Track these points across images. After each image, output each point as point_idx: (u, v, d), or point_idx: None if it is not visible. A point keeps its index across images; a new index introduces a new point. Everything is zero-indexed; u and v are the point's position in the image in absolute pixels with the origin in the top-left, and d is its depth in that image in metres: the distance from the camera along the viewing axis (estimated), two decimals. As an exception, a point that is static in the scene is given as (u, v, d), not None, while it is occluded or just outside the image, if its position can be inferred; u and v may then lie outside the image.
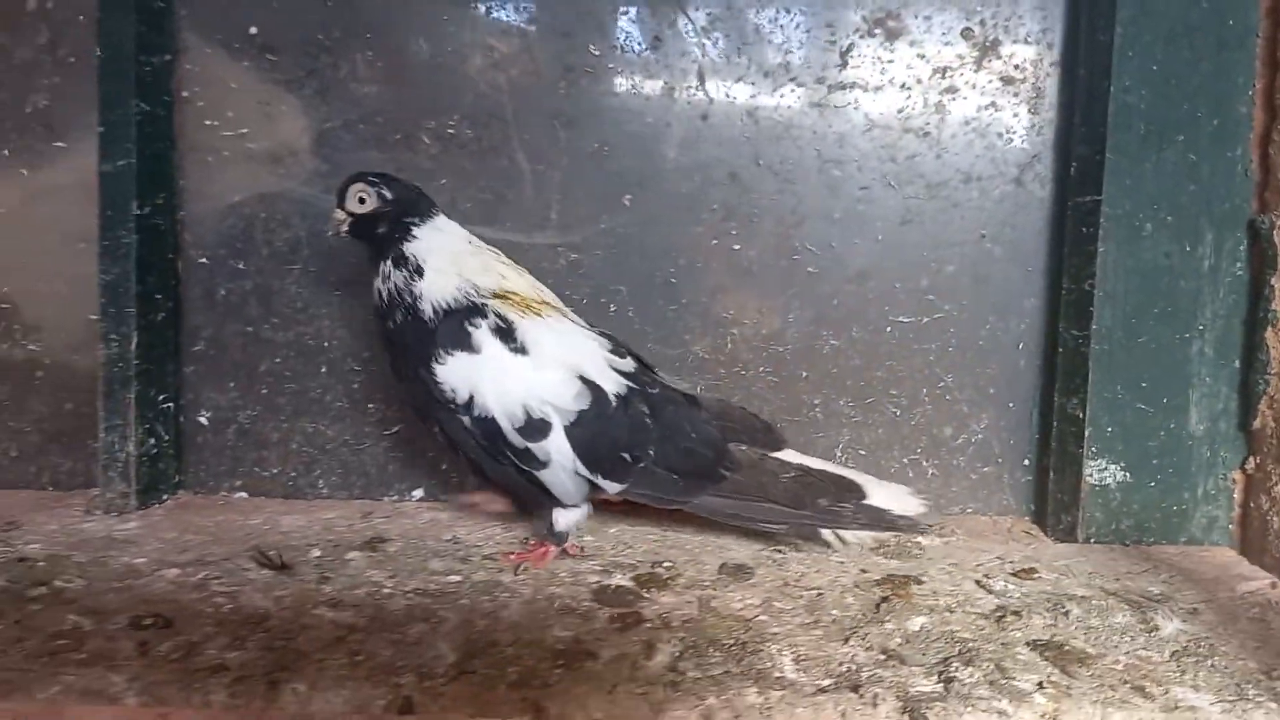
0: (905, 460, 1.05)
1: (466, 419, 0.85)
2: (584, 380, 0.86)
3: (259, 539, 0.92)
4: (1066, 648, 0.72)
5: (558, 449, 0.85)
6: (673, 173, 1.04)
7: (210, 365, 1.06)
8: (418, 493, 1.07)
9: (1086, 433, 0.97)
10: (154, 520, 0.98)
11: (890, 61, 1.03)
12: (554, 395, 0.85)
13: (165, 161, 1.01)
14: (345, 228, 0.89)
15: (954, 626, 0.76)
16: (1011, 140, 1.03)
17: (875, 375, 1.05)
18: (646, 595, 0.81)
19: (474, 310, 0.85)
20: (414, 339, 0.86)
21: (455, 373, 0.84)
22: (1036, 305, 1.04)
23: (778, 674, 0.68)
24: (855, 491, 0.92)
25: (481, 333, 0.85)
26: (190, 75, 1.02)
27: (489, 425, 0.84)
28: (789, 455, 0.93)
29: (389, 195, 0.89)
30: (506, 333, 0.85)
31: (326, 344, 1.06)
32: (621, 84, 1.03)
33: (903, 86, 1.03)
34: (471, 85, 1.03)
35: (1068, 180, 1.01)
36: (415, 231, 0.88)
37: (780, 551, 0.92)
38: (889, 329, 1.05)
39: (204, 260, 1.05)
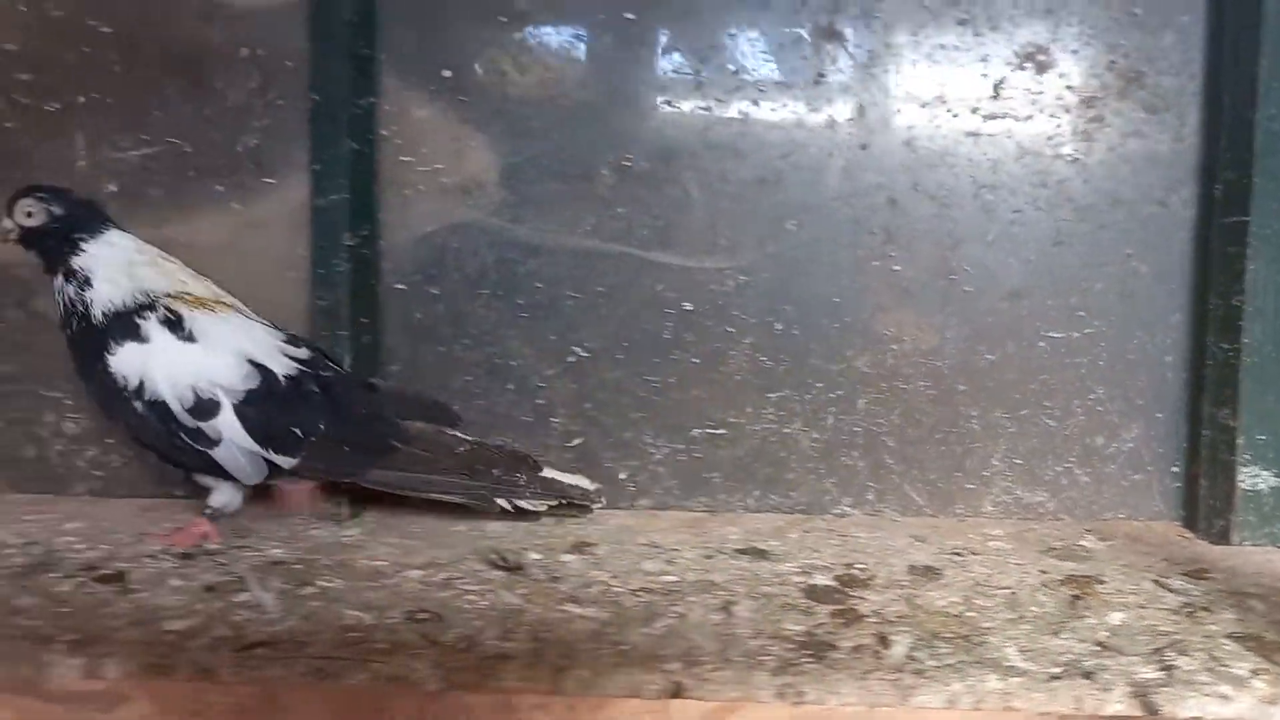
0: (1059, 469, 1.11)
1: (139, 404, 0.93)
2: (253, 363, 0.95)
3: (473, 544, 1.00)
4: (1265, 639, 0.78)
5: (228, 426, 0.93)
6: (834, 199, 1.11)
7: (407, 384, 1.13)
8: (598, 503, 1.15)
9: (1239, 441, 1.03)
10: (369, 528, 1.05)
11: (1040, 93, 1.10)
12: (222, 377, 0.93)
13: (369, 196, 1.09)
14: (14, 237, 0.96)
15: (1151, 621, 0.82)
16: (1156, 165, 1.10)
17: (1030, 388, 1.12)
18: (854, 594, 0.88)
19: (144, 307, 0.94)
20: (89, 341, 0.94)
21: (125, 361, 0.93)
22: (1182, 320, 1.10)
23: (1008, 663, 0.75)
24: (528, 464, 1.02)
25: (150, 324, 0.94)
26: (389, 116, 1.11)
27: (160, 408, 0.93)
28: (462, 434, 1.03)
29: (58, 211, 0.96)
30: (175, 324, 0.94)
31: (513, 363, 1.14)
32: (787, 117, 1.11)
33: (1052, 115, 1.10)
34: (647, 122, 1.11)
35: (1213, 202, 1.07)
36: (84, 246, 0.95)
37: (960, 555, 0.99)
38: (1042, 344, 1.11)
39: (401, 286, 1.13)
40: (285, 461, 0.96)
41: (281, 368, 0.96)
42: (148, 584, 0.87)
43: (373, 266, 1.11)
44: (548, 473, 1.03)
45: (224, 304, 0.99)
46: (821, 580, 0.91)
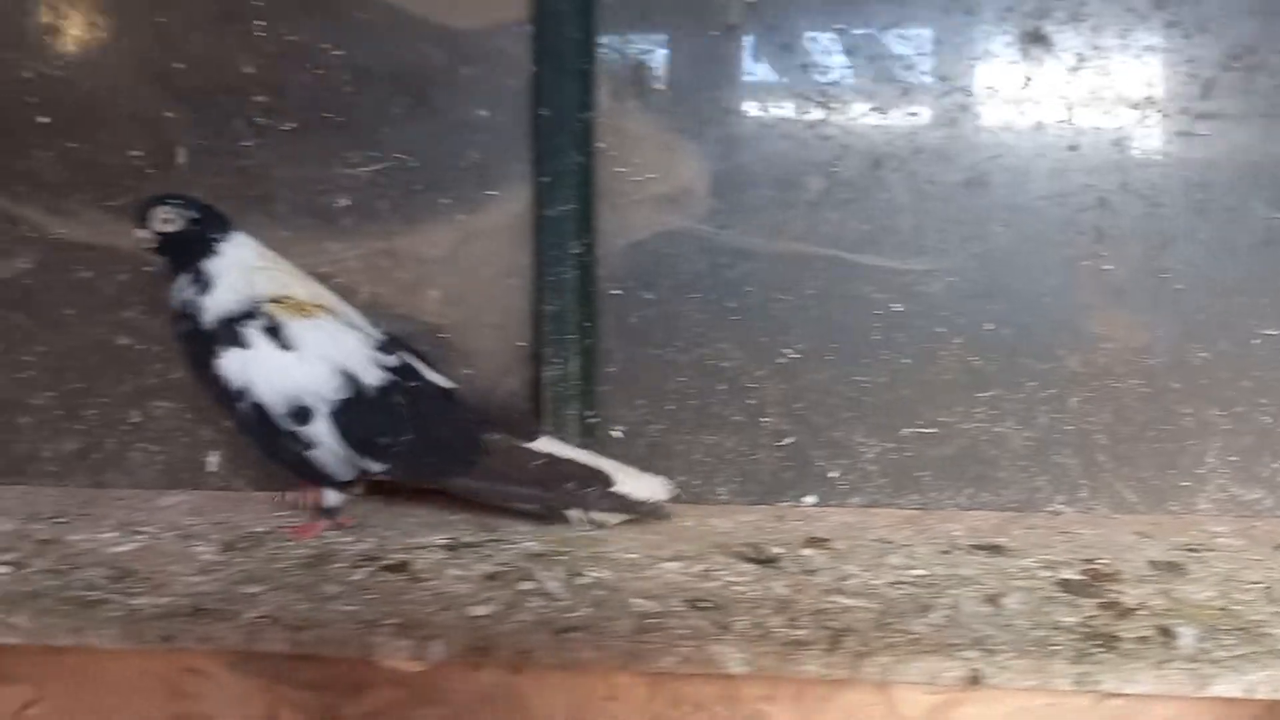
0: (1276, 465, 1.12)
1: (243, 405, 0.98)
2: (344, 373, 0.99)
3: (705, 539, 1.04)
4: None
5: (321, 433, 0.98)
6: (1043, 200, 1.13)
7: (622, 386, 1.18)
8: (809, 499, 1.18)
9: None
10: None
11: (1251, 93, 1.10)
12: (316, 386, 0.98)
13: (590, 206, 1.14)
14: (153, 245, 1.01)
15: None
16: (1372, 161, 1.10)
17: (1243, 385, 1.12)
18: (1109, 587, 0.90)
19: (249, 314, 0.99)
20: (198, 342, 1.00)
21: (230, 367, 0.98)
22: (1400, 316, 1.10)
23: (1299, 652, 0.76)
24: (601, 478, 1.04)
25: (252, 331, 0.98)
26: (604, 128, 1.16)
27: (261, 411, 0.98)
28: (543, 445, 1.05)
29: (193, 215, 1.01)
30: (274, 331, 0.98)
31: (724, 364, 1.17)
32: (994, 121, 1.13)
33: (1263, 115, 1.11)
34: (855, 127, 1.14)
35: None
36: (217, 249, 1.00)
37: (1194, 551, 1.00)
38: (1256, 341, 1.11)
39: (617, 292, 1.17)
40: (374, 467, 1.02)
41: (373, 378, 1.00)
42: (431, 573, 0.92)
43: (592, 273, 1.16)
44: (620, 488, 1.05)
45: (323, 307, 1.04)
46: (1069, 575, 0.93)
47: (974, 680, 0.75)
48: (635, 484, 1.05)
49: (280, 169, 1.18)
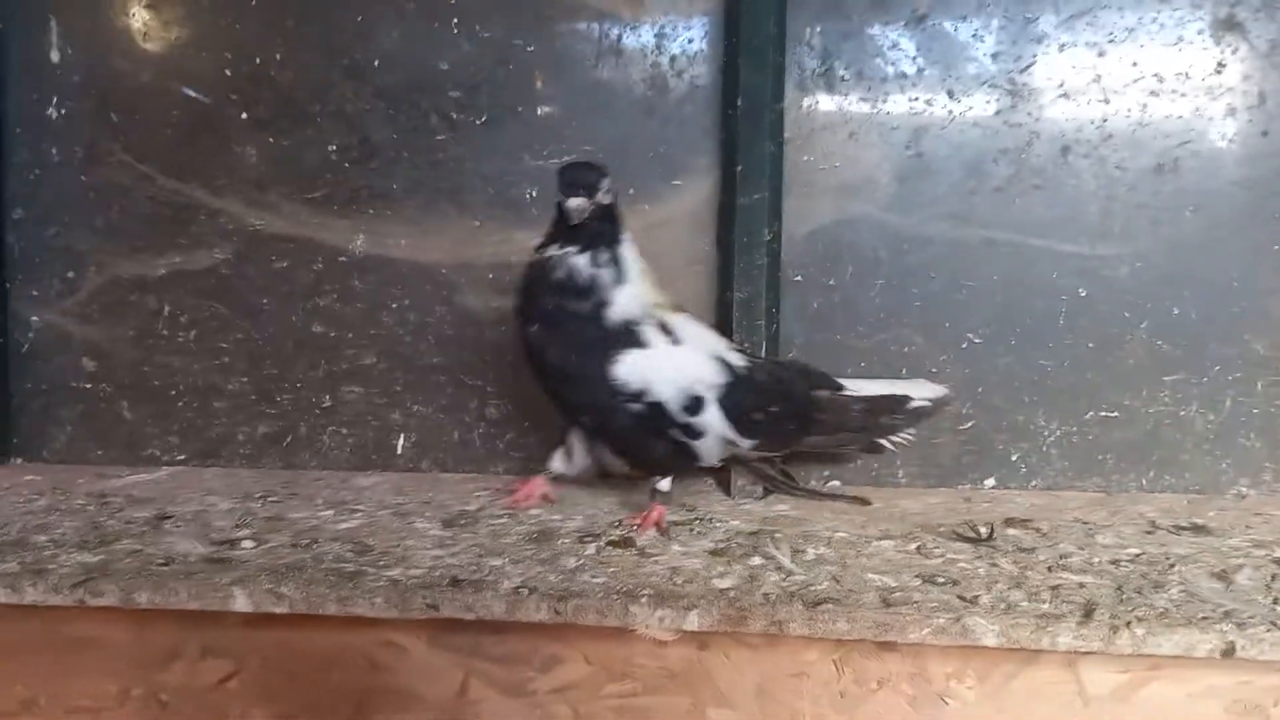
0: None
1: (636, 405, 0.98)
2: (720, 360, 1.02)
3: (907, 520, 1.06)
4: None
5: (712, 419, 1.00)
6: (1233, 185, 1.13)
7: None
8: (989, 482, 1.20)
9: None
10: (771, 504, 1.13)
11: None
12: (706, 375, 1.00)
13: (779, 195, 1.17)
14: (588, 214, 0.95)
15: None
16: None
17: None
18: (1335, 565, 0.91)
19: (642, 316, 0.99)
20: (592, 333, 0.97)
21: (630, 368, 0.97)
22: None
23: None
24: (903, 401, 1.10)
25: (647, 329, 0.99)
26: (790, 119, 1.18)
27: (657, 409, 0.99)
28: (851, 386, 1.10)
29: (615, 192, 1.00)
30: (665, 329, 1.00)
31: (906, 349, 1.19)
32: (1185, 107, 1.13)
33: None
34: (1045, 114, 1.15)
35: None
36: (622, 236, 1.00)
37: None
38: None
39: (799, 279, 1.20)
40: (746, 443, 1.05)
41: (737, 360, 1.04)
42: (656, 549, 0.96)
43: (778, 260, 1.18)
44: (914, 403, 1.11)
45: (677, 307, 1.06)
46: (1286, 554, 0.94)
47: (1229, 652, 0.77)
48: (920, 390, 1.11)
49: (472, 161, 1.22)
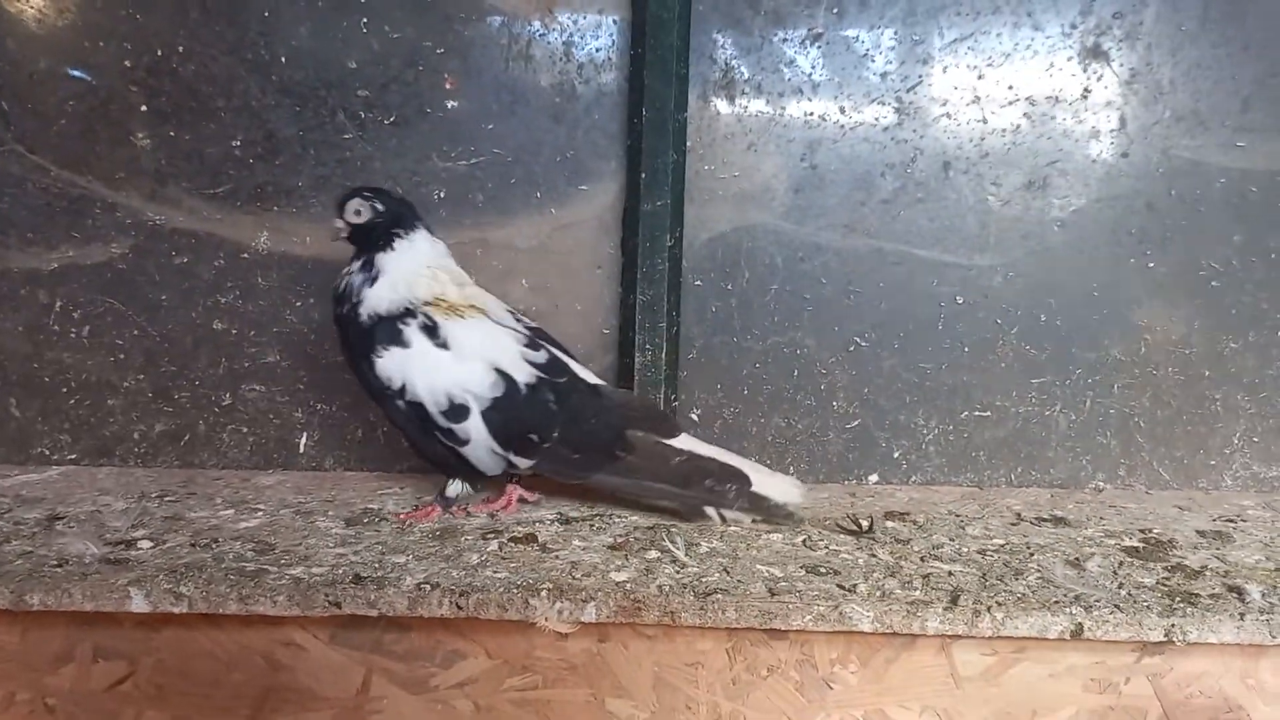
0: (1297, 445, 1.24)
1: (400, 402, 1.02)
2: (498, 371, 1.02)
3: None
4: None
5: (476, 430, 1.01)
6: (1096, 202, 1.23)
7: (701, 371, 1.26)
8: (873, 477, 1.27)
9: None
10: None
11: (1281, 107, 1.22)
12: (472, 384, 1.01)
13: (681, 202, 1.21)
14: (344, 235, 1.06)
15: None
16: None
17: (1268, 373, 1.24)
18: (1172, 554, 1.00)
19: (407, 313, 1.02)
20: (354, 333, 1.03)
21: (389, 365, 1.01)
22: None
23: (1355, 607, 0.87)
24: (739, 478, 1.04)
25: (411, 330, 1.01)
26: (693, 128, 1.22)
27: (419, 409, 1.01)
28: (683, 442, 1.07)
29: (380, 208, 1.05)
30: (432, 330, 1.01)
31: (798, 351, 1.26)
32: (1054, 128, 1.22)
33: (1292, 128, 1.22)
34: (928, 131, 1.22)
35: None
36: (395, 244, 1.04)
37: (1232, 522, 1.11)
38: (1280, 333, 1.24)
39: (699, 283, 1.25)
40: (522, 463, 1.05)
41: (523, 375, 1.03)
42: (558, 544, 0.99)
43: (679, 265, 1.22)
44: (757, 487, 1.06)
45: (475, 307, 1.06)
46: (1132, 542, 1.03)
47: (1077, 632, 0.85)
48: (771, 484, 1.07)
49: (380, 160, 1.23)
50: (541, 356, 1.05)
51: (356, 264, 1.05)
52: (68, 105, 1.22)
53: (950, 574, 0.93)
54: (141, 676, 0.92)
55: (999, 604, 0.87)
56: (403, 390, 1.02)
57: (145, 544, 0.97)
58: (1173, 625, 0.85)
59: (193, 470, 1.26)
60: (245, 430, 1.27)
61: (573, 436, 1.04)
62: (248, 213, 1.24)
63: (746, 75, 1.22)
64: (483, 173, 1.23)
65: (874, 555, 0.98)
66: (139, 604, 0.86)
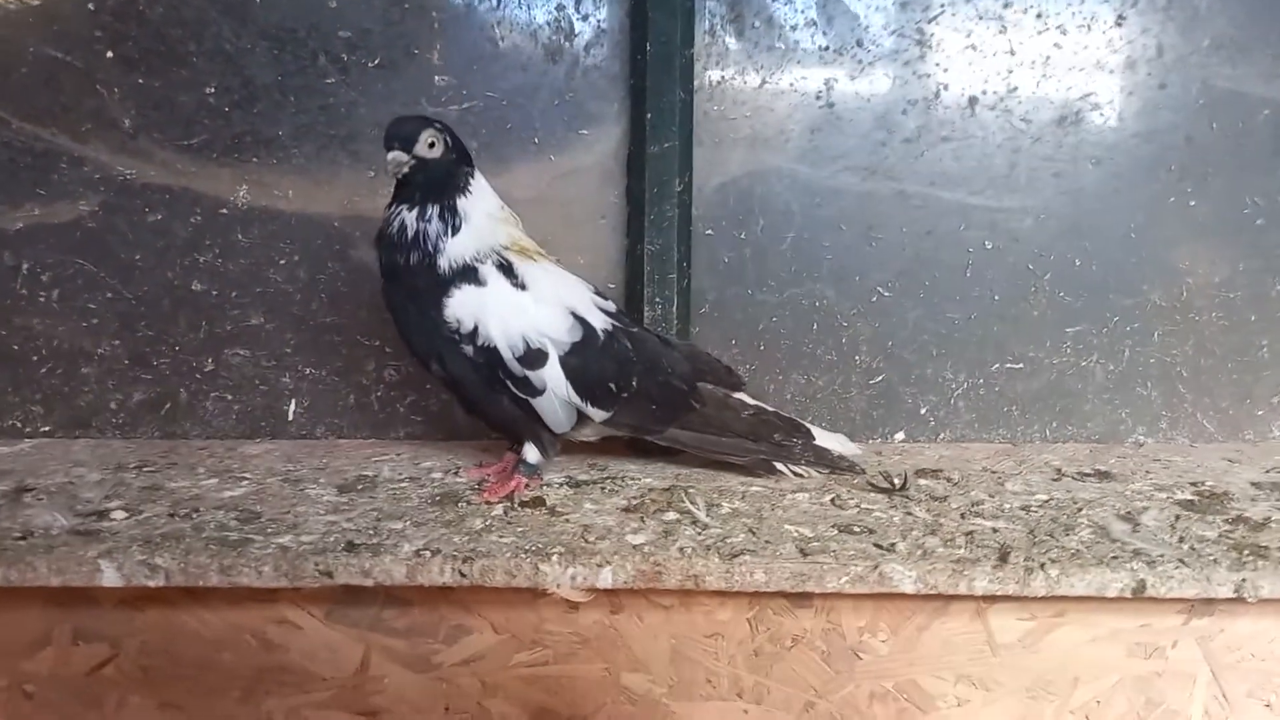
0: (1352, 392, 1.17)
1: (470, 348, 0.92)
2: (576, 316, 0.95)
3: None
4: None
5: (552, 377, 0.93)
6: (1133, 137, 1.15)
7: (714, 325, 1.18)
8: (899, 435, 1.19)
9: None
10: (683, 461, 1.08)
11: (1330, 31, 1.14)
12: (550, 328, 0.93)
13: (689, 144, 1.13)
14: (406, 169, 0.91)
15: None
16: None
17: (1319, 316, 1.17)
18: (1230, 506, 0.93)
19: (484, 255, 0.94)
20: (425, 280, 0.92)
21: (463, 305, 0.92)
22: None
23: None
24: (803, 432, 1.02)
25: (487, 268, 0.93)
26: (700, 66, 1.14)
27: (491, 354, 0.92)
28: (745, 397, 1.04)
29: (450, 142, 0.93)
30: (508, 270, 0.94)
31: (817, 303, 1.18)
32: (1087, 59, 1.14)
33: (1340, 54, 1.14)
34: (952, 66, 1.14)
35: None
36: (471, 185, 0.94)
37: (1291, 470, 1.05)
38: (1333, 273, 1.16)
39: (710, 232, 1.17)
40: (598, 414, 0.97)
41: (600, 321, 0.97)
42: (568, 507, 0.92)
43: (689, 213, 1.15)
44: (820, 440, 1.03)
45: (542, 254, 1.00)
46: (1185, 495, 0.96)
47: (1139, 590, 0.78)
48: (827, 438, 1.03)
49: (366, 107, 1.14)
50: (611, 305, 1.00)
51: (430, 209, 0.92)
52: (28, 53, 1.13)
53: (995, 530, 0.86)
54: (125, 659, 0.85)
55: (1052, 560, 0.80)
56: (474, 334, 0.92)
57: (119, 515, 0.90)
58: (1243, 580, 0.77)
59: (175, 441, 1.18)
60: (230, 398, 1.19)
61: (650, 386, 0.97)
62: (225, 165, 1.15)
63: (756, 7, 1.14)
64: (475, 118, 1.14)
65: (910, 513, 0.91)
66: (110, 578, 0.79)
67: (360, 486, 0.98)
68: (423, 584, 0.79)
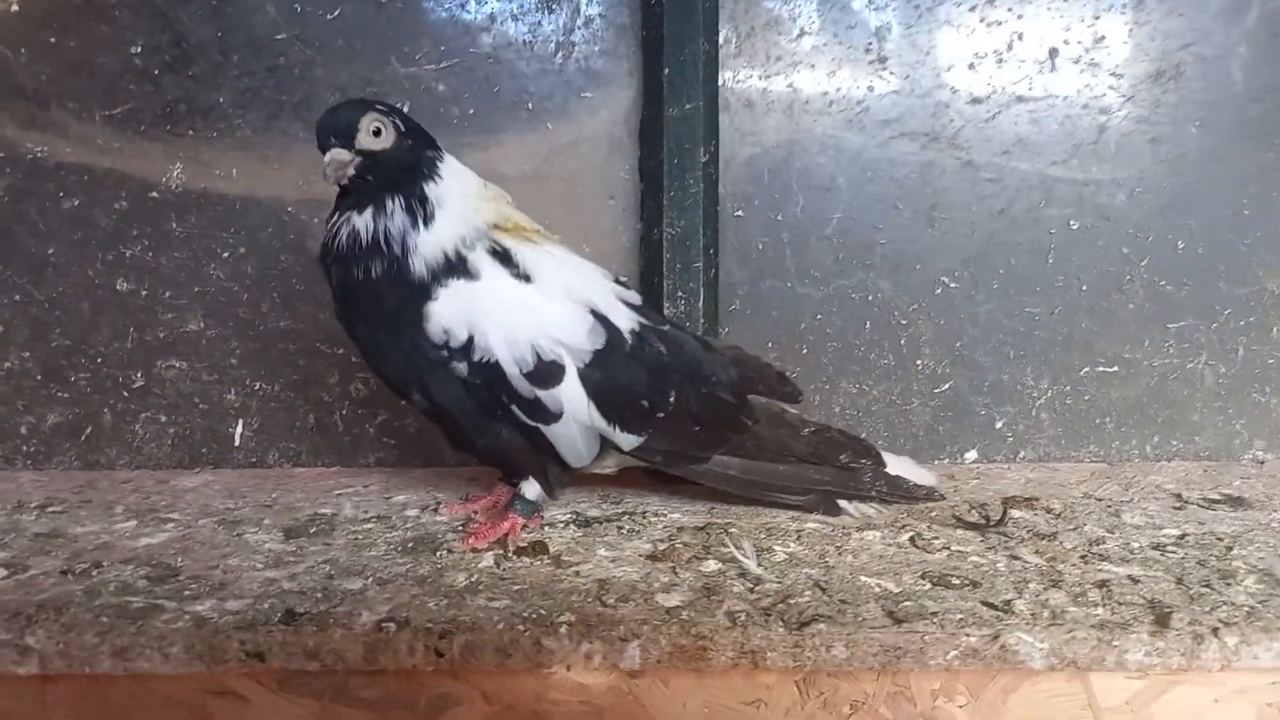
0: None
1: (463, 366, 0.71)
2: (596, 314, 0.74)
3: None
4: None
5: (571, 397, 0.73)
6: (1242, 95, 0.96)
7: (746, 324, 0.99)
8: (970, 454, 1.00)
9: None
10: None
11: None
12: (566, 332, 0.73)
13: (714, 106, 0.94)
14: (352, 170, 0.71)
15: None
16: None
17: None
18: None
19: (470, 243, 0.73)
20: (395, 294, 0.71)
21: (451, 308, 0.71)
22: None
23: None
24: (873, 454, 0.82)
25: (478, 256, 0.72)
26: (726, 14, 0.95)
27: (492, 372, 0.71)
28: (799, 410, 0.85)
29: (402, 126, 0.73)
30: (505, 257, 0.73)
31: (870, 297, 0.99)
32: (1184, 3, 0.96)
33: None
34: (1028, 14, 0.96)
35: None
36: (439, 170, 0.74)
37: None
38: None
39: (739, 213, 0.97)
40: (628, 441, 0.75)
41: (625, 320, 0.75)
42: (577, 554, 0.71)
43: (715, 190, 0.95)
44: (891, 466, 0.83)
45: (546, 236, 0.80)
46: (1350, 526, 0.77)
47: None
48: (896, 461, 0.84)
49: (324, 67, 0.95)
50: (635, 296, 0.78)
51: (391, 203, 0.72)
52: (-85, 5, 0.95)
53: (1134, 580, 0.67)
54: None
55: (1225, 623, 0.60)
56: (468, 346, 0.70)
57: (-2, 574, 0.70)
58: None
59: (96, 472, 0.98)
60: (163, 419, 0.99)
61: (692, 401, 0.76)
62: (155, 139, 0.96)
63: (794, -58, 0.96)
64: (458, 79, 0.96)
65: (1015, 557, 0.71)
66: (-41, 664, 0.59)
67: (313, 529, 0.78)
68: (386, 667, 0.59)
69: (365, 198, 0.72)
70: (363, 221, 0.72)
